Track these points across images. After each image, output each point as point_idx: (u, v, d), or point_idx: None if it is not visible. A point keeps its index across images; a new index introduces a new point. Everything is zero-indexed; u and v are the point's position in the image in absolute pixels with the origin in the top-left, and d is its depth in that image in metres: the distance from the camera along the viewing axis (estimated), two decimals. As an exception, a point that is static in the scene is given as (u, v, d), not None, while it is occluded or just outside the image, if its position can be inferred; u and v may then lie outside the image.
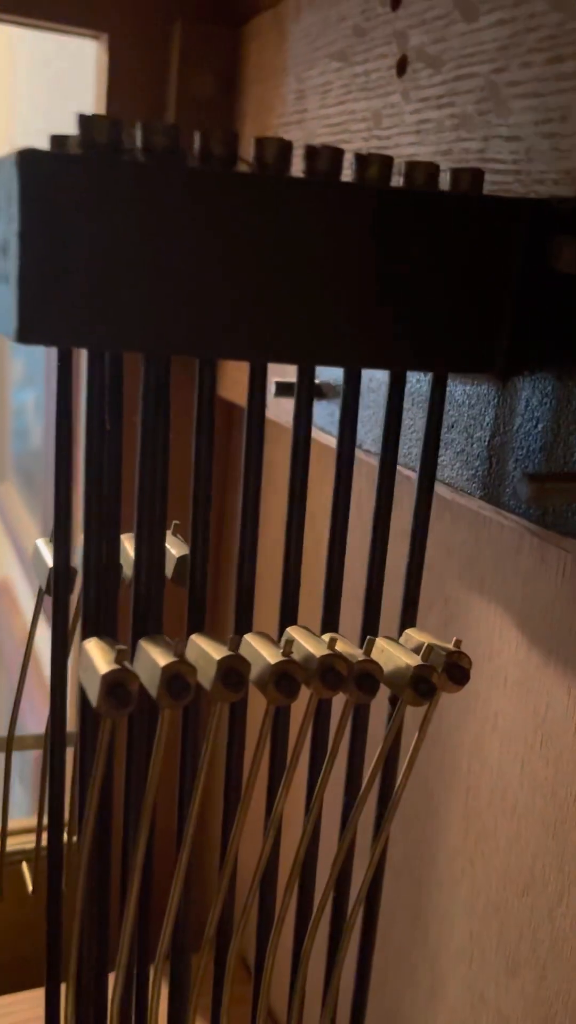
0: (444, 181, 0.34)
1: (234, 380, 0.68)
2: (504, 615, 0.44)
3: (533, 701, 0.42)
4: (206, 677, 0.32)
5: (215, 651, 0.32)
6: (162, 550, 0.36)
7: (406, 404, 0.41)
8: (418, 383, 0.41)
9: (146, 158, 0.30)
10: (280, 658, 0.32)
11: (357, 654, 0.34)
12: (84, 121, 0.29)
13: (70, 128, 0.30)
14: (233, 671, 0.32)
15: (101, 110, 0.67)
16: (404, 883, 0.54)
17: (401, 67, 0.45)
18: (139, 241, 0.30)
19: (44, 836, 0.40)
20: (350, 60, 0.50)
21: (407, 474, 0.42)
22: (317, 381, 0.47)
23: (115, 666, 0.30)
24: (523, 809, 0.43)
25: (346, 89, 0.50)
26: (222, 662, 0.31)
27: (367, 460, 0.47)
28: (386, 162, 0.33)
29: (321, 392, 0.47)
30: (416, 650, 0.36)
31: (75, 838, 0.41)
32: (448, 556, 0.48)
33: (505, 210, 0.34)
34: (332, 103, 0.52)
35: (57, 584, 0.35)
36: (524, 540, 0.42)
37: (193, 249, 0.31)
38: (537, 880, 0.42)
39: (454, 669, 0.35)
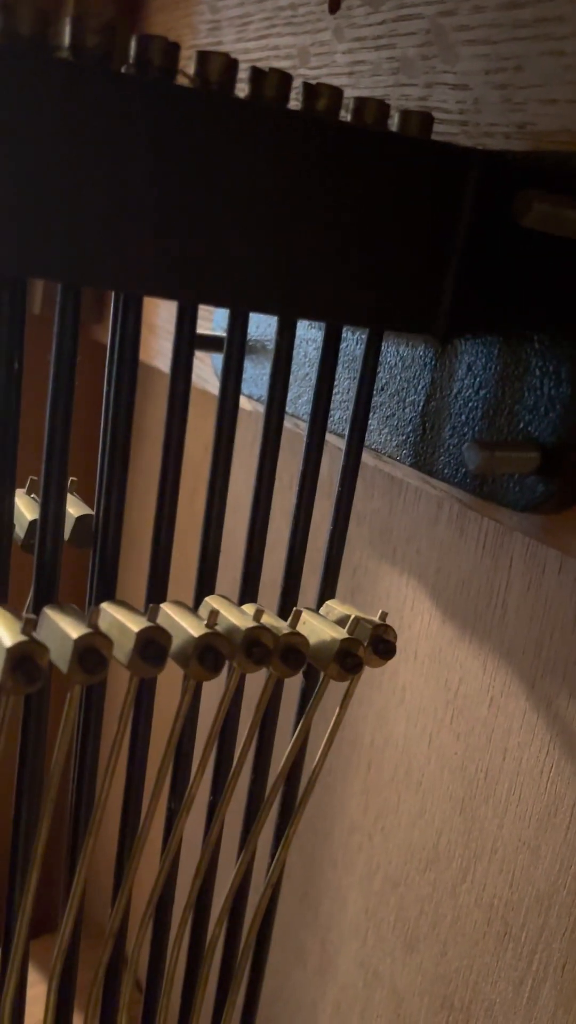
0: (392, 124, 0.32)
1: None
2: (417, 587, 0.43)
3: (445, 675, 0.41)
4: (122, 650, 0.29)
5: (132, 622, 0.29)
6: (62, 509, 0.32)
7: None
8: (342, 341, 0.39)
9: (77, 59, 0.26)
10: (204, 630, 0.30)
11: (282, 627, 0.32)
12: (6, 6, 0.25)
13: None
14: (153, 643, 0.29)
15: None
16: (293, 860, 0.53)
17: (335, 4, 0.42)
18: (57, 153, 0.26)
19: None
20: (274, -8, 0.47)
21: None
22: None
23: (22, 638, 0.27)
24: (429, 784, 0.42)
25: (269, 23, 0.47)
26: (141, 633, 0.28)
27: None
28: (336, 95, 0.30)
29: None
30: (339, 622, 0.34)
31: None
32: (358, 524, 0.47)
33: (457, 159, 0.32)
34: (252, 37, 0.48)
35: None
36: (443, 510, 0.41)
37: (118, 168, 0.27)
38: (441, 856, 0.42)
39: (380, 643, 0.34)
